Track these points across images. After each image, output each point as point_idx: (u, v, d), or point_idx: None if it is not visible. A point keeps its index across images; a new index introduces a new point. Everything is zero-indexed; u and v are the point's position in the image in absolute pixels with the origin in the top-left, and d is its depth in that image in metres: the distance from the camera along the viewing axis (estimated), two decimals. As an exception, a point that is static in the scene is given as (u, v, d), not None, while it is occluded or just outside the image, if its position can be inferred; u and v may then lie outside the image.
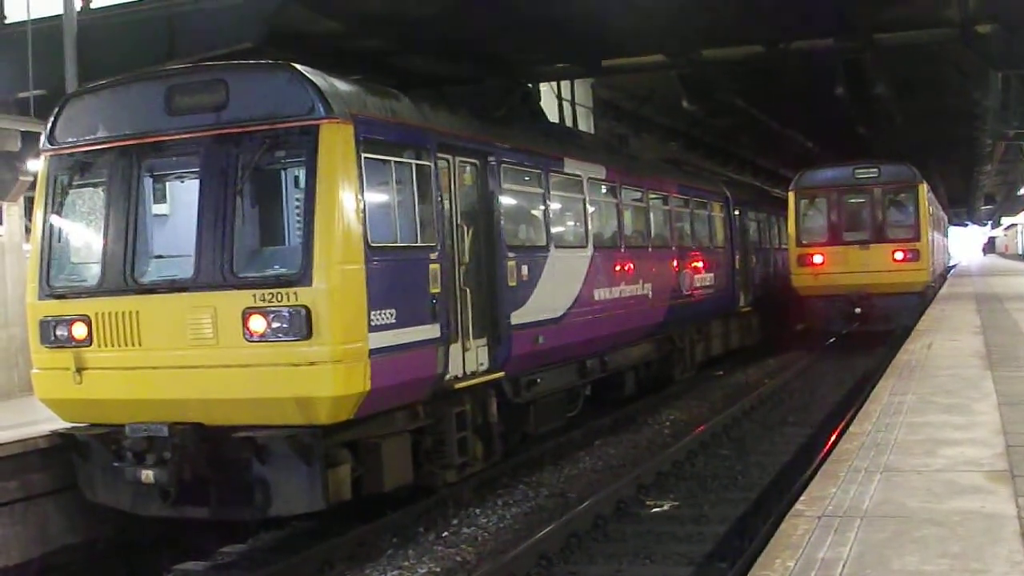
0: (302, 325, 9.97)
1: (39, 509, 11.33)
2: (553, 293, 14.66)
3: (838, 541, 6.29)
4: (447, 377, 11.91)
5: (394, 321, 10.77)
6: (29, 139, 14.56)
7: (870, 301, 27.09)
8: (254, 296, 10.17)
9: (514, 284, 13.51)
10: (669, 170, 23.21)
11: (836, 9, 17.89)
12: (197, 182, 10.80)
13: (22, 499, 11.15)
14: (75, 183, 11.38)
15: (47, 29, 15.74)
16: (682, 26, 18.03)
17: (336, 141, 10.38)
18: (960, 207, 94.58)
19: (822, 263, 27.57)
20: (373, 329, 10.43)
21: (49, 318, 11.07)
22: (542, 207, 14.98)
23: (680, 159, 30.63)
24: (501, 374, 13.15)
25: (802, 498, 7.59)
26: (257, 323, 10.13)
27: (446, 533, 11.61)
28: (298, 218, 10.87)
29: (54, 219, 11.42)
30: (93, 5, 16.95)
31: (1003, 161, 47.96)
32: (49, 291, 11.20)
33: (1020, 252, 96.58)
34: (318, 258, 10.10)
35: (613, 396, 18.69)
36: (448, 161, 12.42)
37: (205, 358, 10.34)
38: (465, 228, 12.67)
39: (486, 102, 15.27)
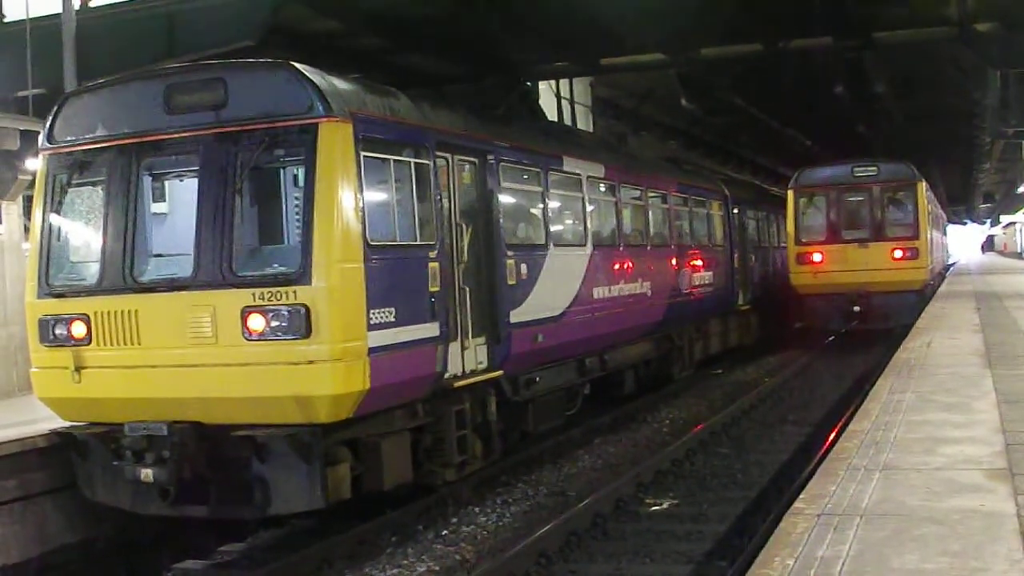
0: (301, 324, 9.97)
1: (38, 508, 11.32)
2: (552, 292, 14.66)
3: (837, 539, 6.29)
4: (446, 376, 11.91)
5: (393, 320, 10.77)
6: (28, 138, 14.55)
7: (869, 299, 27.08)
8: (253, 295, 10.16)
9: (513, 283, 13.51)
10: (668, 169, 23.21)
11: (835, 8, 17.91)
12: (196, 181, 10.79)
13: (21, 498, 11.13)
14: (74, 182, 11.37)
15: (46, 28, 15.73)
16: (681, 24, 18.03)
17: (335, 140, 10.37)
18: (959, 205, 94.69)
19: (821, 261, 27.56)
20: (372, 328, 10.43)
21: (48, 317, 11.06)
22: (541, 206, 14.98)
23: (679, 157, 30.62)
24: (500, 373, 13.14)
25: (801, 496, 7.59)
26: (256, 322, 10.12)
27: (445, 531, 11.61)
28: (297, 217, 10.87)
29: (53, 218, 11.41)
30: (92, 4, 16.95)
31: (1002, 159, 48.02)
32: (48, 290, 11.19)
33: (1019, 250, 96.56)
34: (317, 257, 10.10)
35: (612, 394, 18.71)
36: (447, 159, 12.42)
37: (204, 357, 10.33)
38: (464, 227, 12.67)
39: (485, 100, 15.29)
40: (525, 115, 16.62)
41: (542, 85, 24.54)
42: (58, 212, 11.42)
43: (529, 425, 14.74)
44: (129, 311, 10.66)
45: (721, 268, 24.38)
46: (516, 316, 13.43)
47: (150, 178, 11.39)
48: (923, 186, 28.56)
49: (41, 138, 11.65)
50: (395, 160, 11.34)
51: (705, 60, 21.46)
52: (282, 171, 11.60)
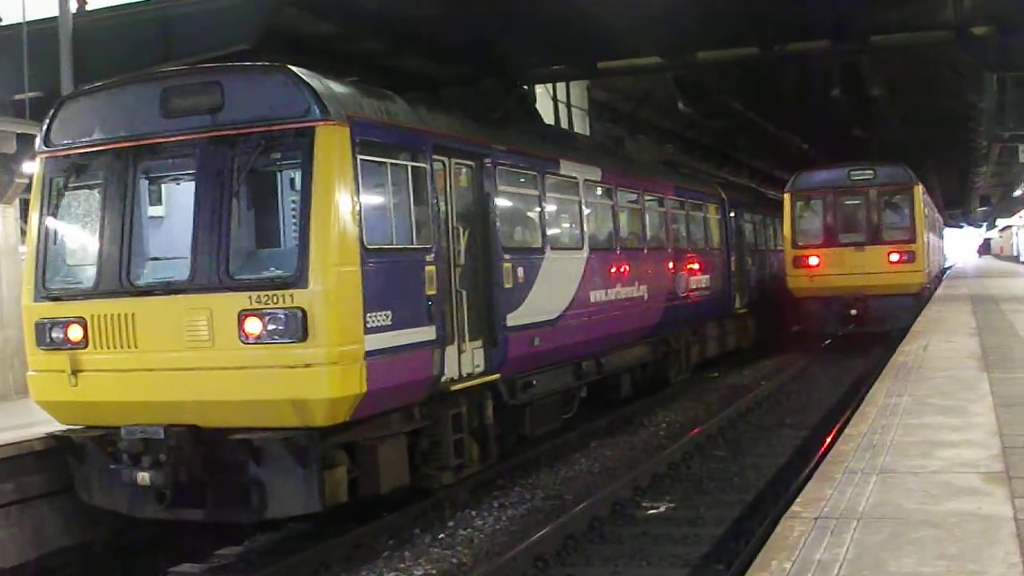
0: (298, 327, 9.96)
1: (35, 511, 11.31)
2: (549, 295, 14.66)
3: (834, 543, 6.29)
4: (443, 379, 11.91)
5: (390, 323, 10.76)
6: (25, 141, 14.55)
7: (866, 303, 27.09)
8: (250, 298, 10.16)
9: (510, 286, 13.51)
10: (665, 172, 23.23)
11: (832, 11, 17.94)
12: (193, 184, 10.78)
13: (18, 501, 11.13)
14: (71, 185, 11.36)
15: (43, 31, 15.73)
16: (678, 28, 18.06)
17: (332, 143, 10.37)
18: (955, 209, 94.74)
19: (818, 265, 27.58)
20: (369, 331, 10.43)
21: (45, 320, 11.05)
22: (538, 209, 14.98)
23: (676, 161, 30.65)
24: (497, 376, 13.14)
25: (798, 500, 7.59)
26: (253, 325, 10.12)
27: (442, 535, 11.60)
28: (294, 220, 10.87)
29: (50, 221, 11.40)
30: (89, 7, 16.95)
31: (998, 163, 48.05)
32: (45, 293, 11.18)
33: (1015, 254, 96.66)
34: (314, 260, 10.09)
35: (609, 398, 18.70)
36: (444, 163, 12.42)
37: (201, 360, 10.33)
38: (461, 230, 12.67)
39: (482, 104, 15.30)
40: (522, 118, 16.63)
41: (539, 88, 24.52)
42: (55, 215, 11.41)
43: (526, 428, 14.74)
44: (126, 314, 10.65)
45: (718, 272, 24.39)
46: (513, 319, 13.44)
47: (147, 181, 11.38)
48: (920, 189, 28.58)
49: (38, 141, 11.64)
50: (392, 163, 11.34)
51: (702, 63, 21.50)
52: (279, 174, 11.59)
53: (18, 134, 14.93)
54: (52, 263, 11.34)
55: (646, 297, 18.79)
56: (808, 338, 29.17)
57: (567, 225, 16.41)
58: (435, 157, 12.10)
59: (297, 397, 10.03)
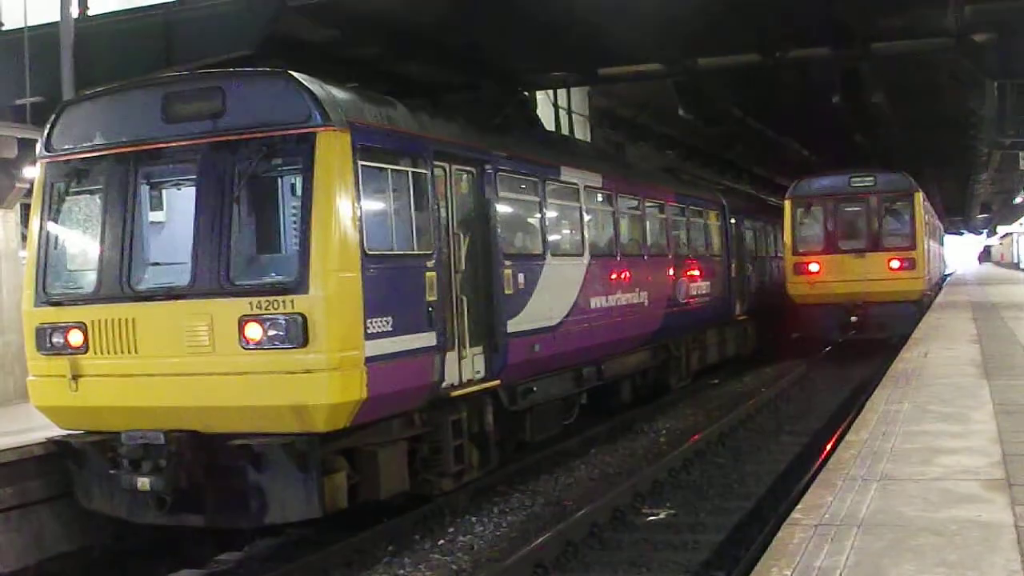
0: (298, 333, 9.96)
1: (34, 516, 11.31)
2: (549, 301, 14.66)
3: (835, 550, 6.29)
4: (443, 385, 11.90)
5: (390, 329, 10.76)
6: (26, 146, 14.56)
7: (866, 310, 27.08)
8: (250, 304, 10.16)
9: (510, 292, 13.50)
10: (665, 178, 23.24)
11: (832, 18, 17.95)
12: (194, 189, 10.80)
13: (17, 506, 11.12)
14: (72, 190, 11.38)
15: (44, 36, 15.74)
16: (679, 34, 18.07)
17: (333, 149, 10.38)
18: (956, 216, 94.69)
19: (818, 272, 27.56)
20: (369, 337, 10.43)
21: (45, 325, 11.06)
22: (538, 215, 14.98)
23: (676, 167, 30.65)
24: (497, 382, 13.14)
25: (799, 506, 7.59)
26: (253, 331, 10.12)
27: (442, 541, 11.59)
28: (294, 226, 10.87)
29: (51, 226, 11.40)
30: (90, 12, 16.96)
31: (999, 170, 48.00)
32: (45, 298, 11.19)
33: (1015, 261, 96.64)
34: (314, 266, 10.09)
35: (609, 404, 18.69)
36: (444, 169, 12.42)
37: (201, 365, 10.33)
38: (461, 236, 12.68)
39: (483, 110, 15.29)
40: (523, 125, 16.63)
41: (540, 95, 24.53)
42: (56, 220, 11.42)
43: (526, 435, 14.74)
44: (126, 320, 10.65)
45: (718, 278, 24.39)
46: (513, 326, 13.44)
47: (148, 186, 11.39)
48: (920, 196, 28.59)
49: (39, 146, 11.65)
50: (393, 169, 11.34)
51: (703, 70, 21.49)
52: (280, 180, 11.60)
53: (19, 139, 14.94)
54: (53, 268, 11.35)
55: (646, 303, 18.78)
56: (808, 345, 29.14)
57: (568, 231, 16.41)
58: (436, 163, 12.10)
59: (297, 403, 10.03)
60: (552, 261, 14.91)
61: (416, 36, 16.70)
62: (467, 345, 12.54)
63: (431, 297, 11.56)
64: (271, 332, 10.06)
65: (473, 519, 12.42)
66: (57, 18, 15.34)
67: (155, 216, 11.86)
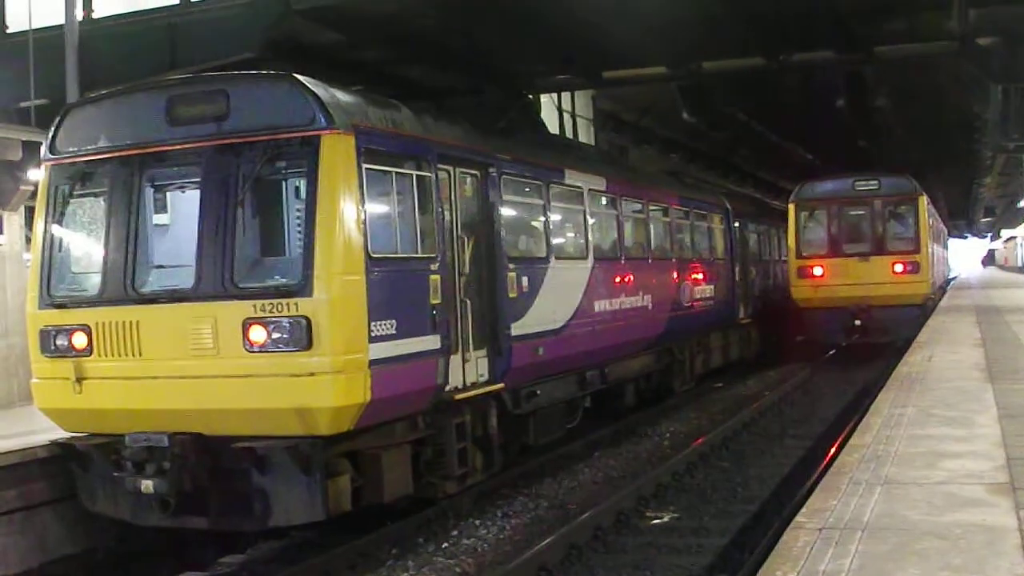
0: (302, 335, 9.96)
1: (38, 519, 11.31)
2: (553, 304, 14.65)
3: (839, 554, 6.28)
4: (447, 388, 11.90)
5: (394, 332, 10.76)
6: (30, 148, 14.58)
7: (870, 313, 27.06)
8: (254, 306, 10.16)
9: (514, 295, 13.50)
10: (669, 182, 23.22)
11: (837, 22, 17.96)
12: (198, 192, 10.80)
13: (21, 509, 11.13)
14: (76, 193, 11.38)
15: (49, 39, 15.78)
16: (683, 38, 18.09)
17: (337, 152, 10.38)
18: (960, 219, 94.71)
19: (822, 275, 27.56)
20: (373, 340, 10.42)
21: (49, 328, 11.06)
22: (542, 218, 14.98)
23: (680, 171, 30.64)
24: (501, 385, 13.13)
25: (803, 510, 7.57)
26: (257, 333, 10.12)
27: (446, 544, 11.58)
28: (299, 228, 10.85)
29: (55, 229, 11.42)
30: (95, 15, 17.00)
31: (1003, 173, 48.01)
32: (49, 300, 11.19)
33: (1020, 264, 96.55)
34: (319, 269, 10.09)
35: (613, 408, 18.68)
36: (449, 172, 12.42)
37: (205, 368, 10.33)
38: (465, 239, 12.67)
39: (487, 113, 15.30)
40: (527, 128, 16.64)
41: (544, 98, 24.57)
42: (60, 223, 11.43)
43: (530, 438, 14.72)
44: (130, 322, 10.66)
45: (722, 281, 24.38)
46: (517, 329, 13.43)
47: (152, 189, 11.39)
48: (924, 200, 28.57)
49: (43, 149, 11.66)
50: (397, 172, 11.34)
51: (707, 74, 21.52)
52: (284, 183, 11.58)
53: (24, 141, 14.96)
54: (57, 271, 11.35)
55: (650, 307, 18.77)
56: (812, 348, 29.12)
57: (571, 235, 16.40)
58: (440, 166, 12.10)
59: (301, 406, 10.03)
60: (556, 264, 14.91)
61: (420, 39, 16.72)
62: (471, 348, 12.54)
63: (435, 300, 11.56)
64: (275, 335, 10.06)
65: (477, 522, 12.42)
66: (61, 21, 15.36)
67: (159, 219, 11.84)
